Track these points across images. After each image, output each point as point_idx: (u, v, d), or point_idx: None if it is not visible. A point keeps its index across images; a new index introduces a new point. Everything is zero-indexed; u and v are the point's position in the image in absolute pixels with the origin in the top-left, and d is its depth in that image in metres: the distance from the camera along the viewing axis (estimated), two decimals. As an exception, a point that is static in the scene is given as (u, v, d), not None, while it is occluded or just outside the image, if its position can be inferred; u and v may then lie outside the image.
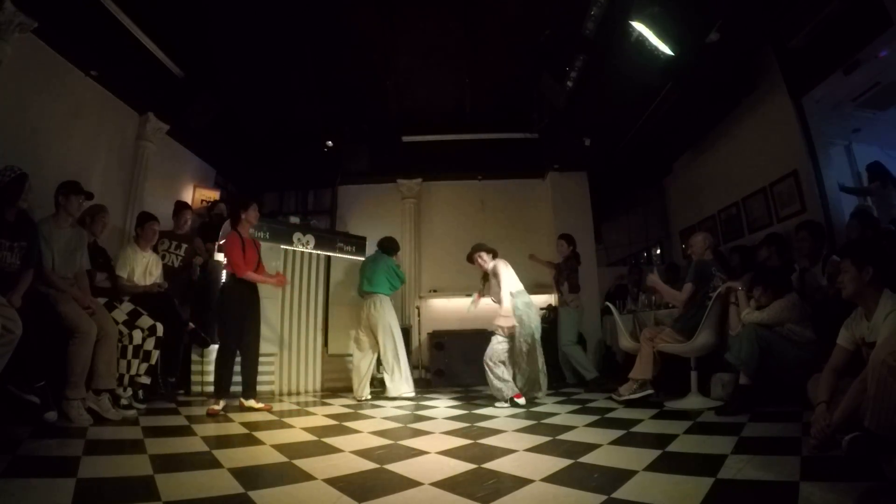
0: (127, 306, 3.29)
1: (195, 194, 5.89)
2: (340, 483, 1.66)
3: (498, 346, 3.81)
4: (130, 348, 3.12)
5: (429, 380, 5.68)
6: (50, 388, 2.52)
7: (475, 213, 6.80)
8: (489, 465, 1.90)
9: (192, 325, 4.05)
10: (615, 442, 2.28)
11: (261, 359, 4.30)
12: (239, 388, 3.60)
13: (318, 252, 4.96)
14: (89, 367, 2.70)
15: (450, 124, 6.58)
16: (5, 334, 2.18)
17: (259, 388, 4.24)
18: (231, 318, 3.46)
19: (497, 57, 5.29)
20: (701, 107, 5.14)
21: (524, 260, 5.50)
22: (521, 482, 1.67)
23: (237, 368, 3.57)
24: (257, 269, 3.63)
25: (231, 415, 3.20)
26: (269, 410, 3.47)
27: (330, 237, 5.32)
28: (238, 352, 3.53)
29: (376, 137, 6.48)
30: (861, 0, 3.44)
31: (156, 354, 3.30)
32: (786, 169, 4.49)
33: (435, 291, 6.56)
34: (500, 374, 3.73)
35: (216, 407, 3.24)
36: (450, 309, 6.24)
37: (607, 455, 2.04)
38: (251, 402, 3.50)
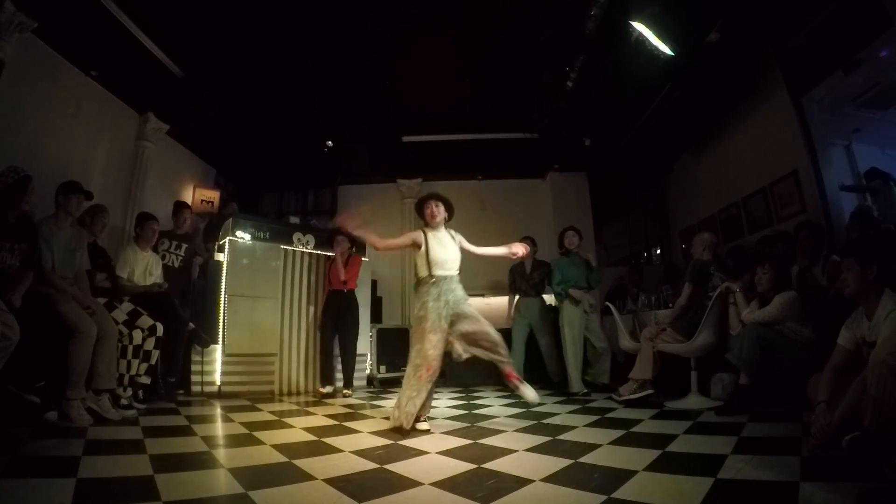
0: (127, 306, 3.28)
1: (195, 194, 5.89)
2: (340, 483, 1.66)
3: None
4: (130, 348, 3.12)
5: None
6: (50, 388, 2.52)
7: (475, 213, 6.79)
8: (489, 465, 1.90)
9: (192, 324, 4.05)
10: (615, 442, 2.28)
11: (261, 359, 4.35)
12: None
13: (318, 252, 4.96)
14: (89, 367, 2.70)
15: (450, 124, 6.59)
16: (2, 340, 2.18)
17: (259, 387, 4.27)
18: (329, 322, 4.54)
19: (497, 57, 5.29)
20: (701, 107, 5.14)
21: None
22: (521, 482, 1.66)
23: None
24: (344, 283, 4.54)
25: (231, 415, 3.20)
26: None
27: (330, 237, 5.31)
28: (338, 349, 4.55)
29: (376, 137, 6.48)
30: (861, 0, 3.44)
31: (156, 354, 3.29)
32: (786, 169, 4.49)
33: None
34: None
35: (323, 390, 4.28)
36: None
37: (607, 455, 2.03)
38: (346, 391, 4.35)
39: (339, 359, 4.55)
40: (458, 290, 2.85)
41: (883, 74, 3.93)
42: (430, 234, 2.92)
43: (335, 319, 4.50)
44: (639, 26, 3.89)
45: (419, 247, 2.87)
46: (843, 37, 3.68)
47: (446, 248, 2.88)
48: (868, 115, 4.59)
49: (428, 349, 2.67)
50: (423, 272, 2.85)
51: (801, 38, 3.94)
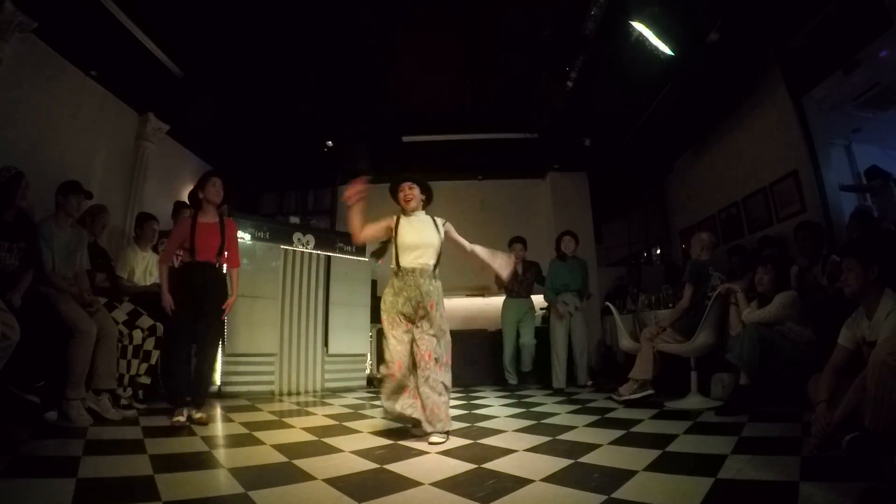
0: (127, 306, 3.29)
1: (195, 194, 5.89)
2: (340, 483, 1.66)
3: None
4: (130, 348, 3.12)
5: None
6: (50, 388, 2.52)
7: (475, 213, 6.79)
8: (489, 465, 1.90)
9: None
10: (615, 442, 2.28)
11: (261, 359, 4.33)
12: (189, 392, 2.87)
13: (318, 252, 4.96)
14: (89, 367, 2.70)
15: (450, 124, 6.58)
16: (2, 340, 2.18)
17: (259, 387, 4.26)
18: (177, 307, 2.90)
19: (497, 57, 5.28)
20: (701, 107, 5.15)
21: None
22: (521, 482, 1.66)
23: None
24: (218, 255, 2.98)
25: (231, 415, 3.19)
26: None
27: (330, 237, 5.31)
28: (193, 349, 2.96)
29: (376, 137, 6.48)
30: (861, 0, 3.44)
31: (156, 354, 3.29)
32: (786, 169, 4.49)
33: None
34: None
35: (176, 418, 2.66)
36: (450, 309, 6.22)
37: (607, 455, 2.03)
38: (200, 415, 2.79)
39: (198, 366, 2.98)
40: (426, 286, 2.56)
41: (883, 74, 3.93)
42: (404, 220, 2.75)
43: (194, 304, 2.87)
44: (639, 26, 3.89)
45: (391, 232, 2.71)
46: (843, 37, 3.68)
47: (419, 233, 2.67)
48: (868, 115, 4.59)
49: (393, 345, 2.61)
50: (392, 262, 2.68)
51: (801, 38, 3.94)
